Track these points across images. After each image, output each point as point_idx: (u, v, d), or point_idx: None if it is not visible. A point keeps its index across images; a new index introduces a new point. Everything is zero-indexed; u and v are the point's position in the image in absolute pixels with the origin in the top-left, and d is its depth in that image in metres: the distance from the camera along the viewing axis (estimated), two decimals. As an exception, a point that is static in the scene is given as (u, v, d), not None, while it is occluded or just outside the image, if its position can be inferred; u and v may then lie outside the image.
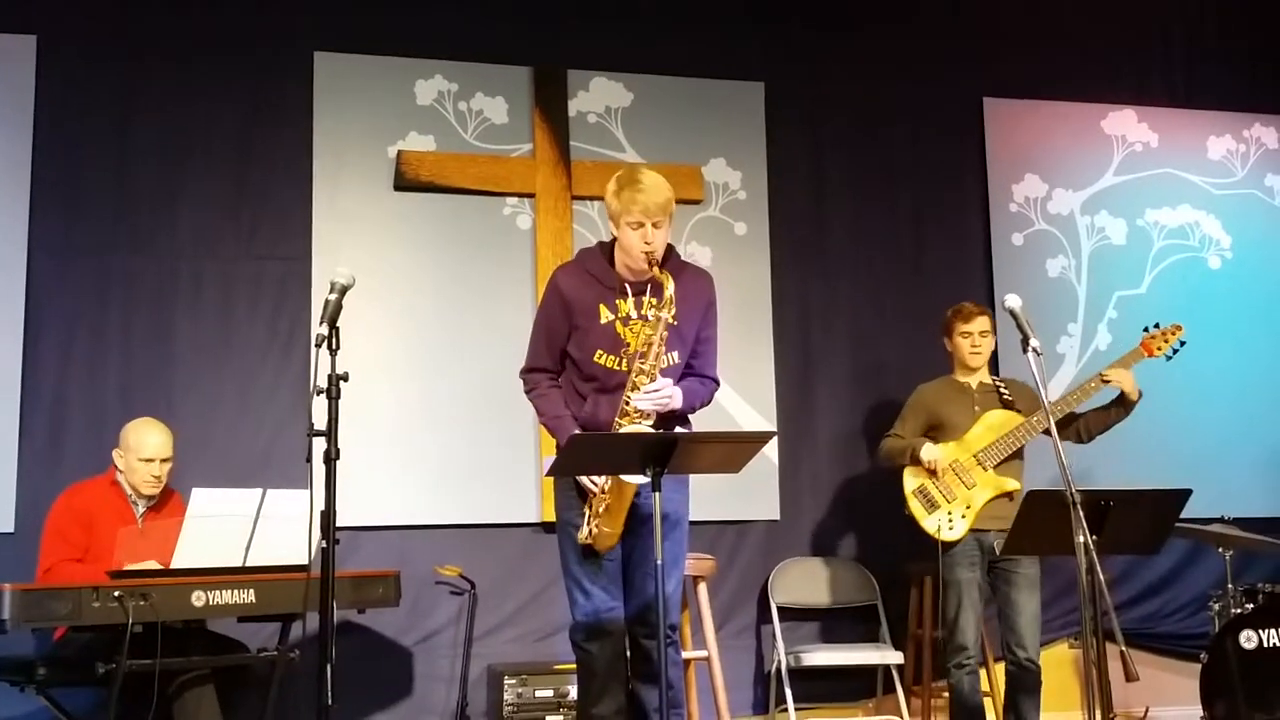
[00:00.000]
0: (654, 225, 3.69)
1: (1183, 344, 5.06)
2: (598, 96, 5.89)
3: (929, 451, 4.79)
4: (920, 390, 5.05)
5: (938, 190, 6.24)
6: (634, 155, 5.83)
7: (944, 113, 6.30)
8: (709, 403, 3.98)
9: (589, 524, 3.72)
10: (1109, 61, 6.57)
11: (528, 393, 3.94)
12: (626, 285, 3.81)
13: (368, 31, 5.67)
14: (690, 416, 3.94)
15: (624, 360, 3.75)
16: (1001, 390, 4.94)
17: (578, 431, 3.71)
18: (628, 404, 3.69)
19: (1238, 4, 6.77)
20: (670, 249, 3.87)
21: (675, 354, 3.81)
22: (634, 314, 3.79)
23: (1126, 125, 6.51)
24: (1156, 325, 5.08)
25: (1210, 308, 6.37)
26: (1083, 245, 6.34)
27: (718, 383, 3.99)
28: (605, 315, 3.79)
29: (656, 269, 3.69)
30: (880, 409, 5.79)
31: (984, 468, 4.76)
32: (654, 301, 3.76)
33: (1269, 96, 6.69)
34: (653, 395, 3.68)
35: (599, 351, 3.78)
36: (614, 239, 3.85)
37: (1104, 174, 6.44)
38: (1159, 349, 5.01)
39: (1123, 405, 4.93)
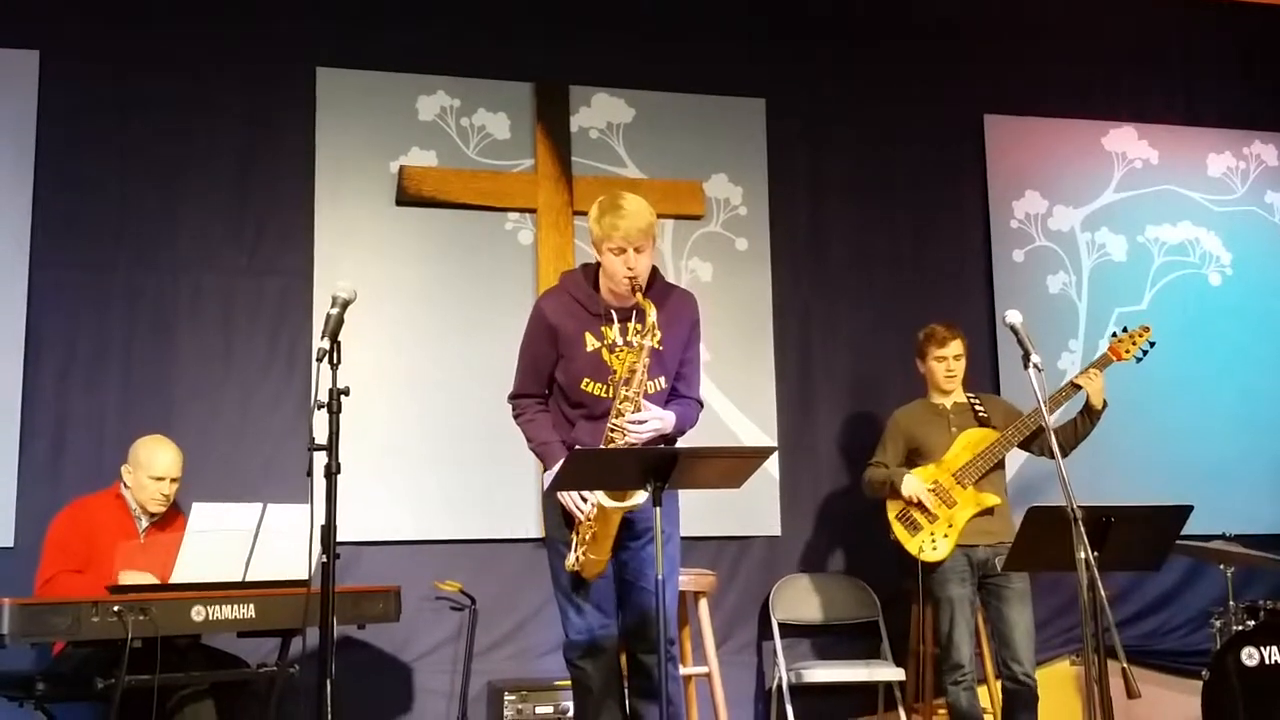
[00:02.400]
0: (636, 250, 3.69)
1: (1152, 344, 5.10)
2: (599, 112, 5.90)
3: (909, 486, 4.88)
4: (896, 416, 5.14)
5: (939, 206, 6.25)
6: (636, 171, 5.85)
7: (945, 129, 6.31)
8: (695, 424, 3.97)
9: (576, 551, 3.72)
10: (1109, 78, 6.59)
11: (516, 418, 3.94)
12: (611, 311, 3.81)
13: (370, 47, 5.68)
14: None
15: (611, 388, 3.76)
16: (976, 407, 5.02)
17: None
18: (612, 432, 3.68)
19: (1238, 21, 6.78)
20: (655, 272, 3.87)
21: (661, 379, 3.81)
22: (619, 341, 3.79)
23: (1127, 142, 6.52)
24: (1125, 329, 5.15)
25: (1211, 324, 6.37)
26: (1083, 262, 6.35)
27: (701, 404, 4.00)
28: (591, 343, 3.79)
29: (639, 295, 3.69)
30: (881, 425, 5.77)
31: (963, 486, 4.85)
32: (638, 328, 3.76)
33: (1269, 114, 6.71)
34: (638, 428, 3.67)
35: (585, 379, 3.78)
36: (599, 262, 3.85)
37: (1104, 190, 6.44)
38: (1127, 352, 5.05)
39: (1089, 415, 4.98)
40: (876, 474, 5.06)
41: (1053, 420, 4.94)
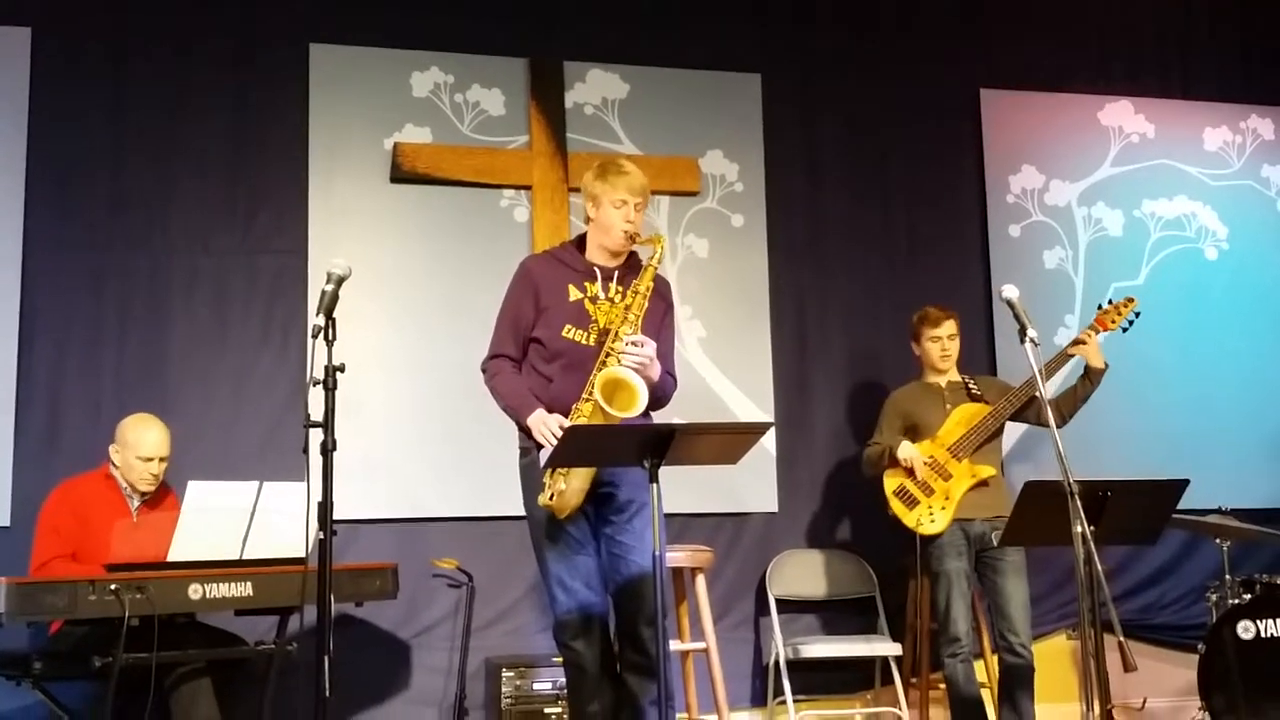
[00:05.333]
0: (635, 207, 3.79)
1: (1137, 314, 5.18)
2: (594, 88, 5.87)
3: (905, 450, 4.93)
4: (893, 396, 5.21)
5: (935, 182, 6.23)
6: (631, 147, 5.82)
7: (941, 104, 6.29)
8: (669, 400, 3.95)
9: (552, 485, 3.63)
10: (1106, 53, 6.57)
11: (488, 381, 3.90)
12: (596, 270, 3.86)
13: (363, 23, 5.65)
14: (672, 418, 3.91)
15: (591, 335, 3.78)
16: (970, 387, 5.07)
17: (541, 409, 3.69)
18: (608, 357, 3.67)
19: (1234, -6, 6.77)
20: (634, 255, 3.92)
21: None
22: (602, 295, 3.83)
23: (1123, 116, 6.50)
24: (1110, 301, 5.23)
25: (1207, 299, 6.37)
26: (1080, 236, 6.34)
27: (675, 380, 3.98)
28: (574, 294, 3.83)
29: (640, 235, 3.79)
30: (877, 401, 5.77)
31: (958, 459, 4.89)
32: (620, 289, 3.81)
33: (1265, 88, 6.69)
34: (637, 350, 3.66)
35: (567, 326, 3.79)
36: (582, 235, 3.92)
37: (1101, 165, 6.43)
38: (1113, 323, 5.13)
39: (1089, 378, 5.03)
40: (873, 451, 5.11)
41: (1050, 390, 4.99)
